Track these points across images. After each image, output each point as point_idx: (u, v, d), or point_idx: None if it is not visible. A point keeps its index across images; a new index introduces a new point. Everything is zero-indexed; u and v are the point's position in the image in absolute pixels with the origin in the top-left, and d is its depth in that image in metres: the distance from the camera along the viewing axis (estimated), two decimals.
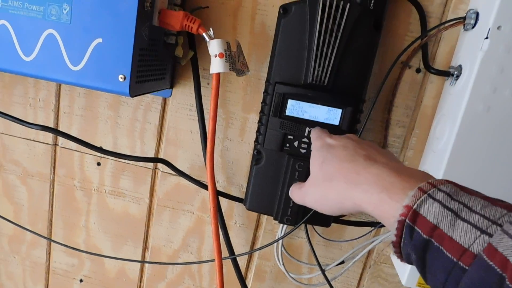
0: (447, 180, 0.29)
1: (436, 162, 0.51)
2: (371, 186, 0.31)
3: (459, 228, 0.25)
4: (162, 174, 0.63)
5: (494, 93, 0.46)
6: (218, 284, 0.53)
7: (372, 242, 0.59)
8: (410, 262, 0.29)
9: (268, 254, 0.65)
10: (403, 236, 0.28)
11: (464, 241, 0.25)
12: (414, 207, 0.27)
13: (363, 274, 0.63)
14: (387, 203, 0.29)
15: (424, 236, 0.26)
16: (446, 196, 0.27)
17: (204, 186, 0.60)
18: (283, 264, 0.61)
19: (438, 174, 0.50)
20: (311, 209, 0.51)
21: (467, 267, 0.24)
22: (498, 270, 0.23)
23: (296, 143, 0.50)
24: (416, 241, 0.27)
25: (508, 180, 0.49)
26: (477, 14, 0.48)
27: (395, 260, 0.59)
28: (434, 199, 0.27)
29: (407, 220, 0.27)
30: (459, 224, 0.25)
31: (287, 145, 0.50)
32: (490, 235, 0.24)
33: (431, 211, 0.27)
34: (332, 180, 0.35)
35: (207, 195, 0.61)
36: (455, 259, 0.25)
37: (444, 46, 0.53)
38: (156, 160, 0.60)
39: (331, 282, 0.59)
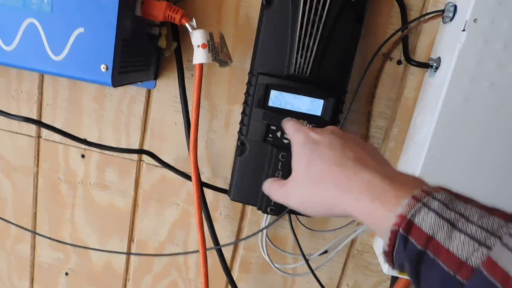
0: (441, 187, 0.28)
1: (417, 152, 0.53)
2: (363, 194, 0.30)
3: (456, 240, 0.25)
4: (147, 166, 0.63)
5: (472, 84, 0.48)
6: (203, 273, 0.53)
7: (355, 231, 0.60)
8: (402, 271, 0.29)
9: (253, 245, 0.65)
10: (396, 246, 0.27)
11: (462, 253, 0.24)
12: (408, 216, 0.26)
13: (346, 263, 0.65)
14: (379, 212, 0.28)
15: (419, 247, 0.26)
16: (441, 205, 0.26)
17: (189, 178, 0.61)
18: (268, 255, 0.62)
19: (418, 164, 0.51)
20: None
21: (465, 281, 0.24)
22: (499, 285, 0.22)
23: (279, 134, 0.51)
24: (410, 252, 0.26)
25: (486, 169, 0.50)
26: (455, 7, 0.49)
27: (378, 249, 0.60)
28: (429, 208, 0.26)
29: (400, 230, 0.26)
30: (456, 235, 0.25)
31: (270, 135, 0.51)
32: (489, 248, 0.23)
33: (426, 221, 0.26)
34: (319, 184, 0.34)
35: (193, 187, 0.61)
36: (452, 272, 0.24)
37: (424, 38, 0.54)
38: (140, 151, 0.60)
39: (315, 272, 0.60)
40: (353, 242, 0.63)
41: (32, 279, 0.73)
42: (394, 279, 0.62)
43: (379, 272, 0.64)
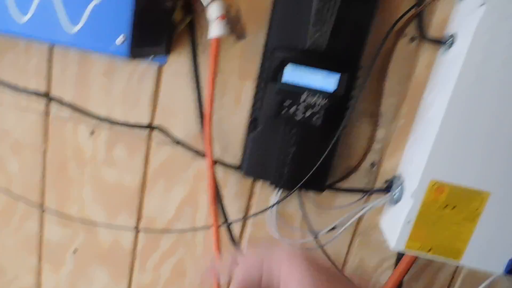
0: None
1: (427, 131, 0.53)
2: None
3: None
4: (156, 143, 0.63)
5: (487, 61, 0.48)
6: (215, 248, 0.54)
7: (363, 208, 0.61)
8: None
9: (261, 223, 0.66)
10: None
11: None
12: None
13: (353, 240, 0.65)
14: None
15: None
16: None
17: (199, 154, 0.61)
18: (276, 231, 0.62)
19: (429, 143, 0.51)
20: (306, 175, 0.53)
21: None
22: None
23: (292, 109, 0.51)
24: None
25: (497, 148, 0.51)
26: None
27: (385, 226, 0.61)
28: None
29: None
30: None
31: (284, 111, 0.51)
32: None
33: None
34: None
35: (202, 164, 0.61)
36: None
37: (439, 14, 0.53)
38: (151, 127, 0.60)
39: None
40: (360, 219, 0.64)
41: (40, 256, 0.73)
42: (399, 256, 0.63)
43: (385, 249, 0.65)
